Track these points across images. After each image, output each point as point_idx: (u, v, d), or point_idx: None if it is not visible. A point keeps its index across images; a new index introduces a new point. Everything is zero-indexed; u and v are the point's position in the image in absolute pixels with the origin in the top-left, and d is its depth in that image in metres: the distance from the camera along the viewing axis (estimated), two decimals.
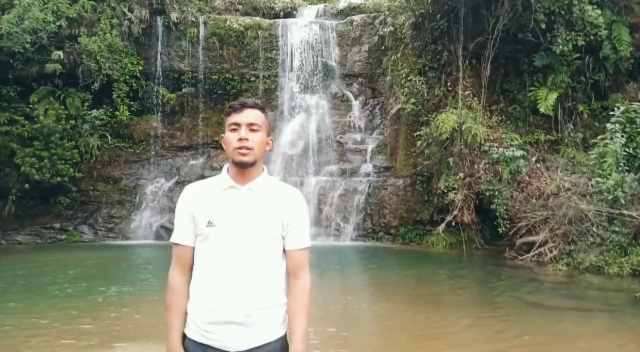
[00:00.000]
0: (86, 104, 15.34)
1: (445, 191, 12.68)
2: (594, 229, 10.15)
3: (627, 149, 10.76)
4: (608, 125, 11.13)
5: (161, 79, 16.55)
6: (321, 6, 18.39)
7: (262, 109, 2.21)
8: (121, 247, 13.84)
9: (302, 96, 16.49)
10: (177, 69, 16.67)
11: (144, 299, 7.80)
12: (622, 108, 11.14)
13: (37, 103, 14.87)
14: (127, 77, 15.68)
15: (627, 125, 11.01)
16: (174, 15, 16.43)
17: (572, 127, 13.21)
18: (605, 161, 10.68)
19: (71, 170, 14.72)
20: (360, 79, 16.92)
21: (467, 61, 13.60)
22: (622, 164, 10.63)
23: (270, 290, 2.10)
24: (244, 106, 2.17)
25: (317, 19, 17.63)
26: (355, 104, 16.50)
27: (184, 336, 2.12)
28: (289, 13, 18.16)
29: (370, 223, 14.50)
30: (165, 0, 16.39)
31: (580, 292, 8.52)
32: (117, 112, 15.63)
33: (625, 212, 9.92)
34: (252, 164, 2.14)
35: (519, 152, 11.98)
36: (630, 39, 12.51)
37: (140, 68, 16.01)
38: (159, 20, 16.49)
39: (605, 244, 9.97)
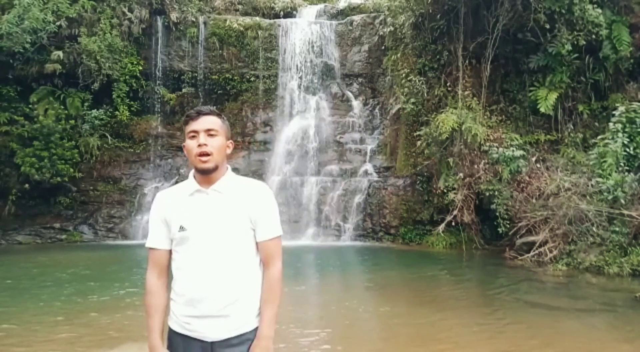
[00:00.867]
0: (86, 104, 15.35)
1: (445, 191, 12.69)
2: (594, 229, 10.15)
3: (627, 149, 10.75)
4: (609, 125, 11.12)
5: (161, 79, 16.56)
6: (321, 6, 18.39)
7: (219, 115, 2.31)
8: (121, 247, 13.84)
9: (302, 96, 16.50)
10: (177, 69, 16.67)
11: (143, 299, 7.78)
12: (622, 108, 11.14)
13: (37, 103, 14.88)
14: (127, 77, 15.68)
15: (627, 125, 11.00)
16: (174, 15, 16.44)
17: (572, 127, 13.21)
18: (605, 161, 10.68)
19: (71, 170, 14.72)
20: (360, 79, 16.92)
21: (467, 61, 13.60)
22: (622, 164, 10.63)
23: (243, 284, 2.22)
24: (200, 114, 2.26)
25: (317, 19, 17.63)
26: (355, 104, 16.50)
27: (169, 328, 2.27)
28: (289, 13, 18.17)
29: (370, 223, 14.50)
30: (165, 0, 16.39)
31: (580, 292, 8.52)
32: (117, 112, 15.64)
33: (625, 212, 9.92)
34: (214, 169, 2.26)
35: (518, 152, 11.98)
36: (630, 39, 12.52)
37: (140, 68, 16.02)
38: (159, 20, 16.49)
39: (605, 244, 9.97)
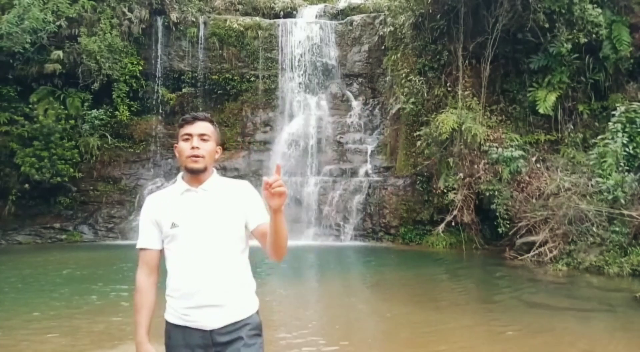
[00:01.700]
0: (86, 104, 15.35)
1: (445, 191, 12.68)
2: (594, 229, 10.15)
3: (627, 149, 10.75)
4: (609, 125, 11.12)
5: (161, 79, 16.56)
6: (321, 6, 18.39)
7: (212, 122, 2.47)
8: (121, 247, 13.84)
9: (302, 96, 16.50)
10: (177, 69, 16.67)
11: None
12: (622, 108, 11.14)
13: (37, 103, 14.89)
14: (127, 77, 15.69)
15: (627, 125, 11.00)
16: (174, 15, 16.44)
17: (572, 127, 13.20)
18: (605, 161, 10.68)
19: (71, 170, 14.73)
20: (360, 79, 16.92)
21: (467, 61, 13.60)
22: (622, 164, 10.63)
23: (235, 274, 2.37)
24: (195, 119, 2.41)
25: (317, 19, 17.64)
26: (355, 104, 16.51)
27: (166, 322, 2.37)
28: (289, 13, 18.17)
29: (370, 223, 14.51)
30: (165, 0, 16.40)
31: (580, 292, 8.52)
32: (117, 112, 15.64)
33: (625, 212, 9.91)
34: (203, 170, 2.38)
35: (518, 153, 11.97)
36: (630, 39, 12.51)
37: (140, 68, 16.02)
38: (159, 20, 16.50)
39: (605, 244, 9.96)
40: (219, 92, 16.77)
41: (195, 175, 2.38)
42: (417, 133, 13.62)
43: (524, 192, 11.82)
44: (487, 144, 12.40)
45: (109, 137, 15.71)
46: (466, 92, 13.39)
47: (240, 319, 2.35)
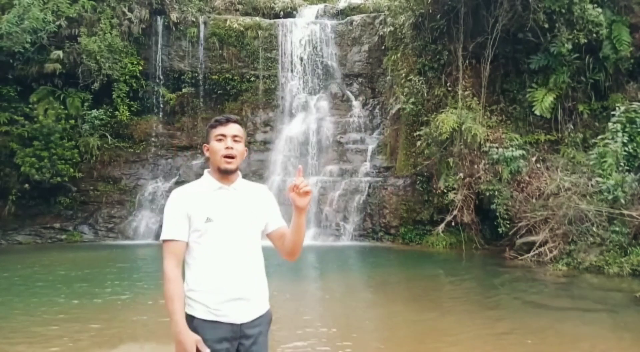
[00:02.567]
0: (86, 104, 15.35)
1: (445, 190, 12.68)
2: (594, 229, 10.15)
3: (627, 149, 10.75)
4: (609, 125, 11.12)
5: (161, 79, 16.56)
6: (321, 6, 18.39)
7: (241, 124, 2.63)
8: (121, 247, 13.85)
9: (302, 96, 16.50)
10: (177, 69, 16.67)
11: (143, 299, 7.80)
12: (622, 108, 11.14)
13: (37, 103, 14.88)
14: (127, 77, 15.68)
15: (627, 125, 11.00)
16: (174, 15, 16.44)
17: (572, 127, 13.20)
18: (605, 161, 10.67)
19: (71, 170, 14.72)
20: (360, 79, 16.92)
21: (467, 61, 13.60)
22: (622, 164, 10.63)
23: (260, 269, 2.54)
24: (228, 120, 2.55)
25: (317, 19, 17.63)
26: (355, 104, 16.51)
27: (192, 318, 2.40)
28: (289, 13, 18.17)
29: (370, 223, 14.51)
30: (165, 0, 16.40)
31: (580, 292, 8.52)
32: (117, 112, 15.63)
33: (625, 212, 9.91)
34: (235, 170, 2.54)
35: (518, 152, 11.97)
36: (630, 39, 12.51)
37: (140, 68, 16.02)
38: (159, 20, 16.49)
39: (605, 244, 9.96)
40: (219, 92, 16.76)
41: (227, 174, 2.51)
42: (417, 133, 13.62)
43: (524, 192, 11.82)
44: (487, 144, 12.40)
45: (109, 137, 15.71)
46: (466, 92, 13.39)
47: (262, 314, 2.50)
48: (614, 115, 11.23)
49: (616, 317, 7.06)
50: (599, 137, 11.40)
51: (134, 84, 15.98)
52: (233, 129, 2.53)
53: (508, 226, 11.64)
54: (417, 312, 7.26)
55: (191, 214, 2.43)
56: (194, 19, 16.66)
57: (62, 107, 15.05)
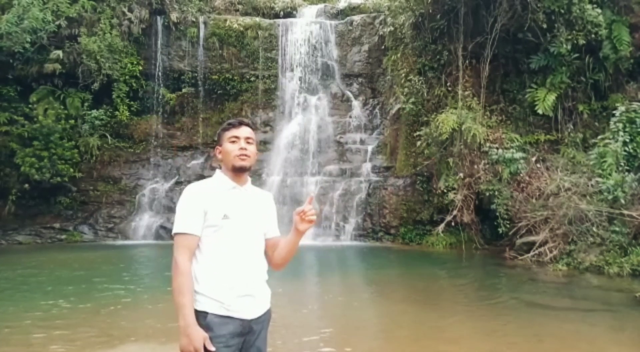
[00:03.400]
0: (86, 104, 15.35)
1: (445, 190, 12.69)
2: (594, 229, 10.15)
3: (627, 149, 10.75)
4: (609, 125, 11.12)
5: (161, 79, 16.56)
6: (321, 6, 18.39)
7: (253, 128, 2.73)
8: (121, 247, 13.85)
9: (302, 96, 16.50)
10: (177, 69, 16.67)
11: (143, 299, 7.80)
12: (622, 108, 11.14)
13: (37, 103, 14.88)
14: (127, 77, 15.68)
15: (627, 125, 11.00)
16: (174, 15, 16.44)
17: (572, 127, 13.21)
18: (605, 161, 10.68)
19: (71, 170, 14.72)
20: (360, 79, 16.92)
21: (466, 61, 13.60)
22: (622, 164, 10.63)
23: (264, 268, 2.64)
24: (241, 123, 2.65)
25: (317, 19, 17.63)
26: (355, 104, 16.51)
27: (205, 314, 2.41)
28: (289, 13, 18.17)
29: (370, 223, 14.51)
30: (165, 0, 16.40)
31: (580, 292, 8.52)
32: (117, 112, 15.63)
33: (625, 212, 9.91)
34: (249, 168, 2.63)
35: (518, 154, 11.97)
36: (630, 39, 12.51)
37: (140, 68, 16.02)
38: (159, 20, 16.49)
39: (605, 244, 9.97)
40: (219, 92, 16.76)
41: (241, 173, 2.60)
42: (417, 133, 13.62)
43: (524, 192, 11.82)
44: (487, 144, 12.40)
45: (109, 137, 15.71)
46: (466, 92, 13.39)
47: (264, 312, 2.59)
48: (614, 115, 11.23)
49: (616, 317, 7.06)
50: (599, 137, 11.40)
51: (134, 84, 15.98)
52: (246, 131, 2.61)
53: (508, 226, 11.64)
54: (416, 312, 7.26)
55: (208, 210, 2.47)
56: (194, 19, 16.66)
57: (62, 107, 15.05)
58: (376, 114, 16.43)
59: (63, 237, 14.84)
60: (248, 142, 2.61)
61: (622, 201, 10.03)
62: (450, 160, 12.80)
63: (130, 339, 5.80)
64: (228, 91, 16.77)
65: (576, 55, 12.45)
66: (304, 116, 16.19)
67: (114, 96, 15.57)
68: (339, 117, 16.36)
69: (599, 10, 12.10)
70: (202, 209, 2.48)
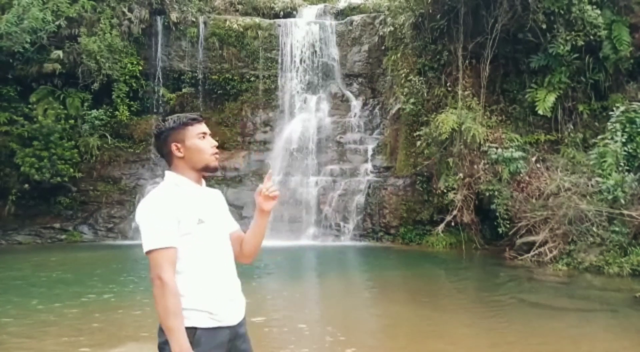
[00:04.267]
0: (86, 104, 15.34)
1: (445, 190, 12.68)
2: (594, 229, 10.14)
3: (627, 149, 10.75)
4: (609, 125, 11.12)
5: (161, 79, 16.55)
6: (321, 6, 18.38)
7: None
8: (121, 247, 13.84)
9: (302, 96, 16.50)
10: (177, 69, 16.67)
11: (143, 300, 7.80)
12: (622, 108, 11.13)
13: (37, 103, 14.87)
14: (127, 77, 15.67)
15: (627, 125, 11.00)
16: (174, 15, 16.43)
17: (572, 127, 13.20)
18: (605, 161, 10.67)
19: (71, 170, 14.71)
20: (360, 79, 16.92)
21: (466, 61, 13.59)
22: (622, 164, 10.62)
23: (235, 268, 2.47)
24: (202, 118, 2.46)
25: (317, 19, 17.63)
26: (355, 104, 16.50)
27: (194, 330, 2.22)
28: (289, 13, 18.16)
29: (370, 223, 14.50)
30: (165, 0, 16.39)
31: (580, 292, 8.52)
32: (117, 112, 15.62)
33: (625, 212, 9.91)
34: None
35: (517, 154, 11.97)
36: (630, 39, 12.50)
37: (140, 68, 16.01)
38: (159, 20, 16.49)
39: (605, 244, 9.96)
40: (219, 92, 16.76)
41: (211, 173, 2.43)
42: (417, 133, 13.62)
43: (524, 192, 11.82)
44: (487, 144, 12.40)
45: (109, 137, 15.70)
46: (466, 92, 13.39)
47: (243, 315, 2.46)
48: (613, 115, 11.23)
49: (616, 317, 7.06)
50: (599, 137, 11.39)
51: (134, 84, 15.98)
52: (206, 127, 2.43)
53: (508, 226, 11.64)
54: (416, 312, 7.26)
55: (181, 217, 2.24)
56: (193, 19, 16.65)
57: (61, 107, 15.04)
58: (376, 114, 16.42)
59: (63, 237, 14.84)
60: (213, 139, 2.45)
61: (622, 201, 10.02)
62: (450, 160, 12.80)
63: (130, 339, 5.80)
64: (228, 91, 16.76)
65: (576, 55, 12.44)
66: (304, 116, 16.19)
67: (114, 96, 15.56)
68: (339, 117, 16.36)
69: (599, 11, 12.09)
70: (175, 217, 2.23)
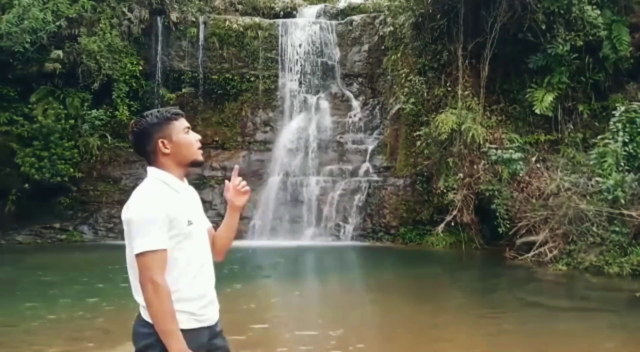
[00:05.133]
0: (86, 104, 15.32)
1: (445, 190, 12.68)
2: (594, 229, 10.14)
3: (627, 149, 10.75)
4: (609, 125, 11.11)
5: (161, 79, 16.54)
6: (321, 6, 18.38)
7: None
8: (121, 247, 13.71)
9: (302, 96, 16.50)
10: (177, 69, 16.66)
11: None
12: (622, 108, 11.13)
13: (37, 103, 14.85)
14: (127, 77, 15.66)
15: (627, 125, 10.99)
16: (174, 15, 16.43)
17: (572, 127, 13.21)
18: (605, 161, 10.67)
19: (71, 170, 14.71)
20: (360, 79, 16.92)
21: (466, 61, 13.60)
22: (622, 164, 10.62)
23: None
24: (183, 113, 2.43)
25: (317, 19, 17.63)
26: (355, 104, 16.50)
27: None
28: (289, 13, 18.16)
29: (370, 223, 14.50)
30: (165, 0, 16.39)
31: (580, 292, 8.53)
32: (117, 112, 15.60)
33: (625, 212, 9.91)
34: None
35: (517, 154, 11.97)
36: (630, 39, 12.50)
37: (140, 68, 16.00)
38: (159, 20, 16.48)
39: (605, 244, 9.96)
40: (219, 92, 16.75)
41: (196, 168, 2.42)
42: (417, 133, 13.62)
43: (524, 192, 11.82)
44: (487, 145, 12.40)
45: (109, 137, 15.68)
46: (466, 92, 13.39)
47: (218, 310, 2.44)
48: (614, 115, 11.22)
49: (616, 317, 7.06)
50: (599, 137, 11.39)
51: (134, 84, 15.97)
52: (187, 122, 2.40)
53: (508, 226, 11.63)
54: (416, 312, 7.26)
55: (172, 218, 2.18)
56: (193, 19, 16.65)
57: (62, 107, 15.03)
58: (376, 114, 16.42)
59: (63, 237, 14.83)
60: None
61: (622, 201, 10.02)
62: (450, 160, 12.80)
63: (130, 338, 5.80)
64: (228, 91, 16.76)
65: (576, 55, 12.44)
66: (304, 116, 16.19)
67: (114, 96, 15.55)
68: (339, 117, 16.36)
69: (599, 11, 12.09)
70: (165, 218, 2.16)
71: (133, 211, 2.17)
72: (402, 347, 5.76)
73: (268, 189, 15.06)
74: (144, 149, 2.33)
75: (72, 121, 15.00)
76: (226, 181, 2.44)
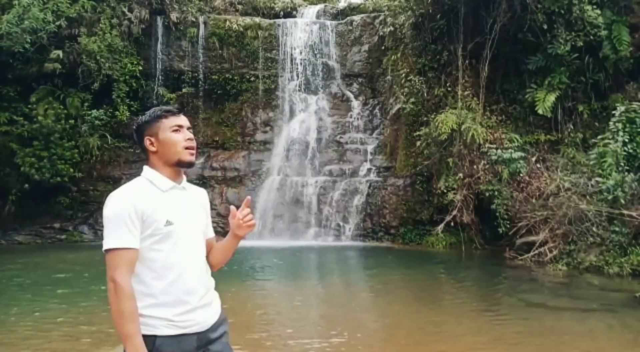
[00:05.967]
0: (86, 104, 15.34)
1: (445, 191, 12.68)
2: (594, 229, 10.15)
3: (627, 149, 10.75)
4: (609, 125, 11.11)
5: (161, 79, 16.55)
6: (321, 6, 18.40)
7: None
8: None
9: (302, 96, 16.51)
10: (177, 69, 16.67)
11: None
12: (622, 108, 11.13)
13: (37, 103, 14.87)
14: (127, 77, 15.67)
15: (627, 125, 10.99)
16: (174, 15, 16.44)
17: (572, 127, 13.20)
18: (605, 161, 10.67)
19: (71, 170, 14.72)
20: (360, 79, 16.93)
21: (466, 61, 13.60)
22: (622, 164, 10.62)
23: (209, 273, 2.38)
24: (180, 111, 2.35)
25: (317, 19, 17.64)
26: (355, 104, 16.51)
27: (153, 338, 2.11)
28: (289, 13, 18.18)
29: (370, 223, 14.50)
30: (165, 0, 16.40)
31: (580, 292, 8.52)
32: (117, 112, 15.62)
33: (625, 212, 9.91)
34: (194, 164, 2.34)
35: (517, 154, 11.97)
36: (630, 39, 12.51)
37: (140, 68, 16.01)
38: (159, 20, 16.49)
39: (605, 244, 9.96)
40: (219, 92, 16.76)
41: (186, 168, 2.31)
42: (417, 133, 13.63)
43: (524, 192, 11.82)
44: (487, 145, 12.40)
45: (109, 137, 15.70)
46: (466, 92, 13.40)
47: (220, 313, 2.36)
48: (614, 115, 11.22)
49: (616, 317, 7.05)
50: (599, 137, 11.39)
51: (134, 84, 15.97)
52: (186, 120, 2.31)
53: (508, 226, 11.64)
54: (416, 312, 7.26)
55: (147, 217, 2.12)
56: (193, 19, 16.66)
57: (62, 107, 15.04)
58: (376, 114, 16.43)
59: (63, 237, 14.84)
60: (191, 133, 2.31)
61: (622, 201, 10.02)
62: (450, 160, 12.80)
63: None
64: (228, 91, 16.76)
65: (576, 55, 12.45)
66: (304, 116, 16.19)
67: (114, 96, 15.56)
68: (339, 117, 16.37)
69: (599, 11, 12.09)
70: (138, 216, 2.10)
71: (105, 208, 2.16)
72: (402, 347, 5.76)
73: (268, 189, 15.07)
74: (141, 147, 2.32)
75: (72, 121, 15.01)
76: (232, 207, 2.37)
